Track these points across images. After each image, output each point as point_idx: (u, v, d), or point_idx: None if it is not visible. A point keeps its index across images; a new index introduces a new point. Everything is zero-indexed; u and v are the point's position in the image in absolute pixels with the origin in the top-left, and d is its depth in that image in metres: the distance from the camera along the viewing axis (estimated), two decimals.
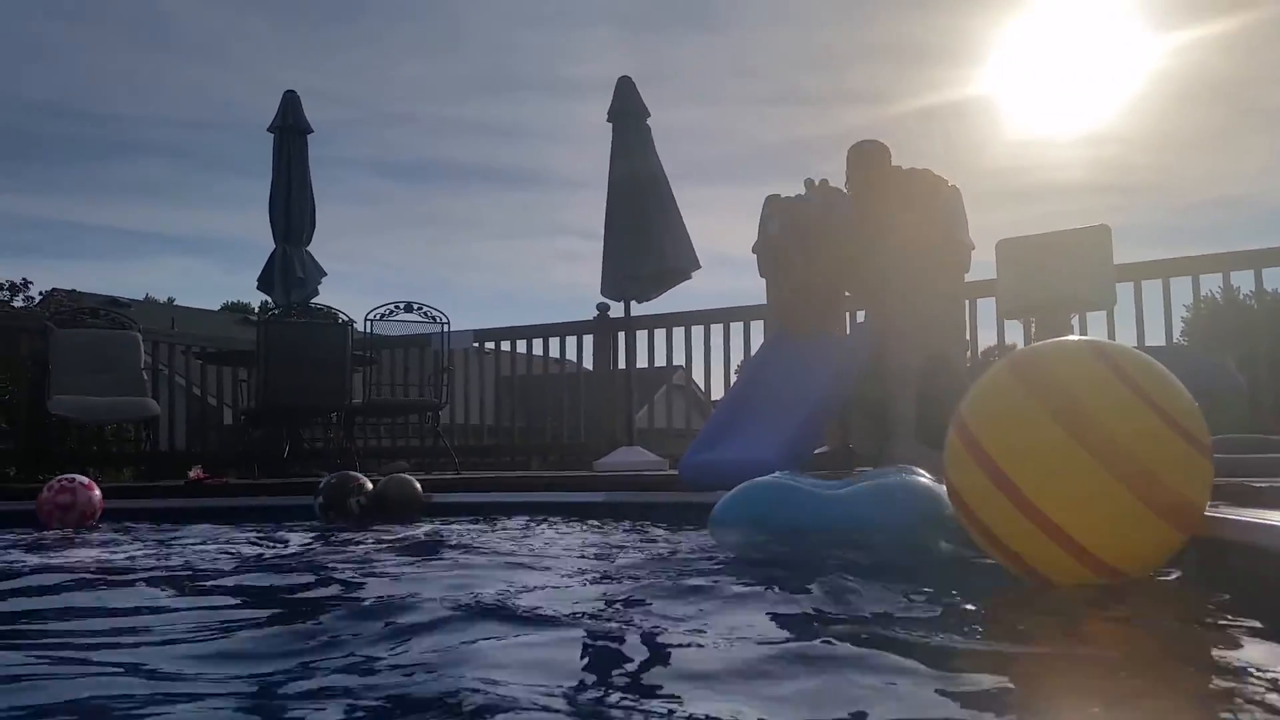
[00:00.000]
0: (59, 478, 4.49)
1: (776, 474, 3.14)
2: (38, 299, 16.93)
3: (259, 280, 8.04)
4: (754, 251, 5.32)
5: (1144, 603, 1.97)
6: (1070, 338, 2.23)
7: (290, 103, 8.09)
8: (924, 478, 2.89)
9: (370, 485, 4.40)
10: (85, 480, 4.52)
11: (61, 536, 3.99)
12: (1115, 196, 46.02)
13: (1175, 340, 6.41)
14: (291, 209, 7.95)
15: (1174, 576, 2.10)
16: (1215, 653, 1.54)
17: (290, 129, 8.04)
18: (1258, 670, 1.37)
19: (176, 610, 2.15)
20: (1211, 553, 2.01)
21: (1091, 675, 1.42)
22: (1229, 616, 1.74)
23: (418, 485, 4.51)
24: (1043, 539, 1.85)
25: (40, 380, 6.90)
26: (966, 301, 5.91)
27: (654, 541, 3.32)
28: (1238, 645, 1.57)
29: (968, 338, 5.65)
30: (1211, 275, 6.07)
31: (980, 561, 2.19)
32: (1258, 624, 1.64)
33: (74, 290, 16.70)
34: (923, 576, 2.34)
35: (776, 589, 2.13)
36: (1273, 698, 1.23)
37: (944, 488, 2.18)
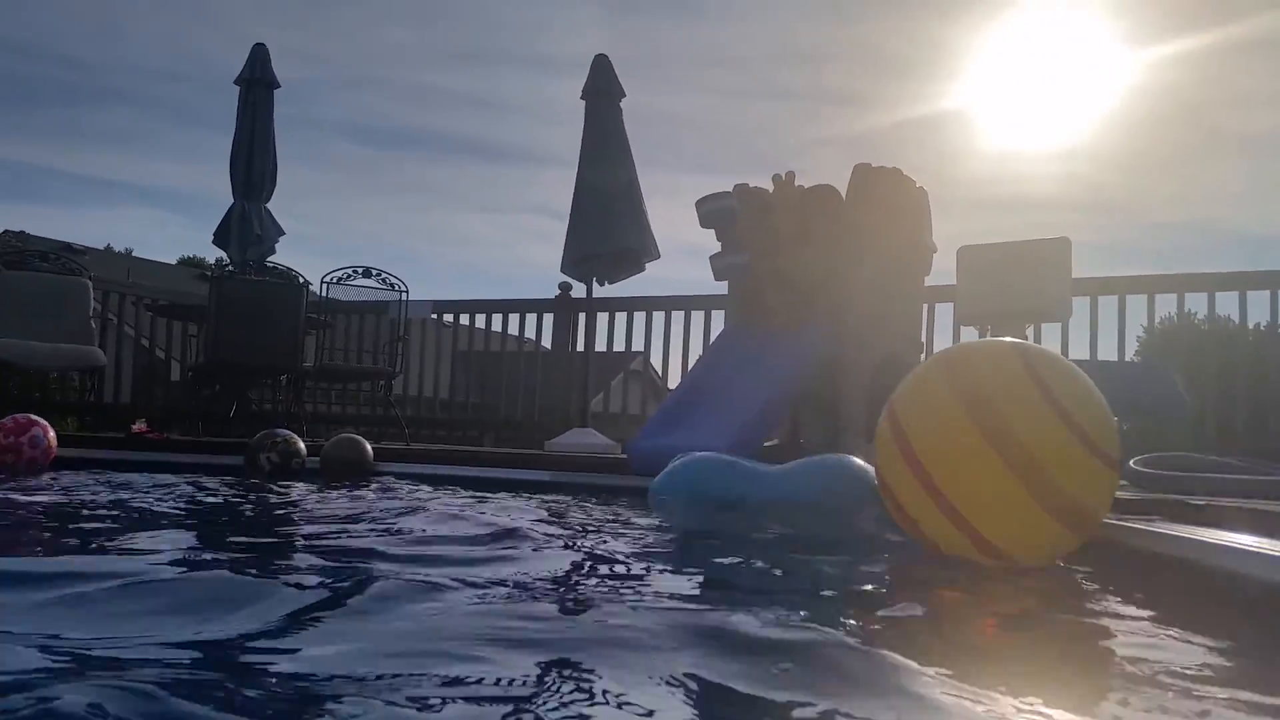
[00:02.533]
0: (10, 418, 4.26)
1: (712, 452, 3.18)
2: None
3: (215, 235, 7.88)
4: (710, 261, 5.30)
5: (1047, 587, 2.08)
6: (1004, 339, 2.33)
7: (259, 56, 7.94)
8: (857, 460, 2.93)
9: (299, 446, 4.29)
10: (42, 421, 4.30)
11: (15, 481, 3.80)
12: (1084, 213, 46.69)
13: (1129, 358, 6.49)
14: (253, 164, 7.81)
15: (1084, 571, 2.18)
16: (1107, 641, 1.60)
17: (257, 82, 7.89)
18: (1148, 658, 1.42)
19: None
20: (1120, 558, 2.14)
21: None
22: (1127, 610, 1.82)
23: (368, 447, 4.44)
24: (942, 518, 2.03)
25: None
26: (925, 305, 5.94)
27: (601, 518, 3.31)
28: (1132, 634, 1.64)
29: (923, 340, 5.66)
30: (1166, 295, 6.15)
31: (900, 539, 2.31)
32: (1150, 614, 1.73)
33: (23, 232, 16.21)
34: (847, 549, 2.46)
35: (713, 559, 2.19)
36: (1157, 680, 1.25)
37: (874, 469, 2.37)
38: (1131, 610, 1.81)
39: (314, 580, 1.69)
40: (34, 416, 4.30)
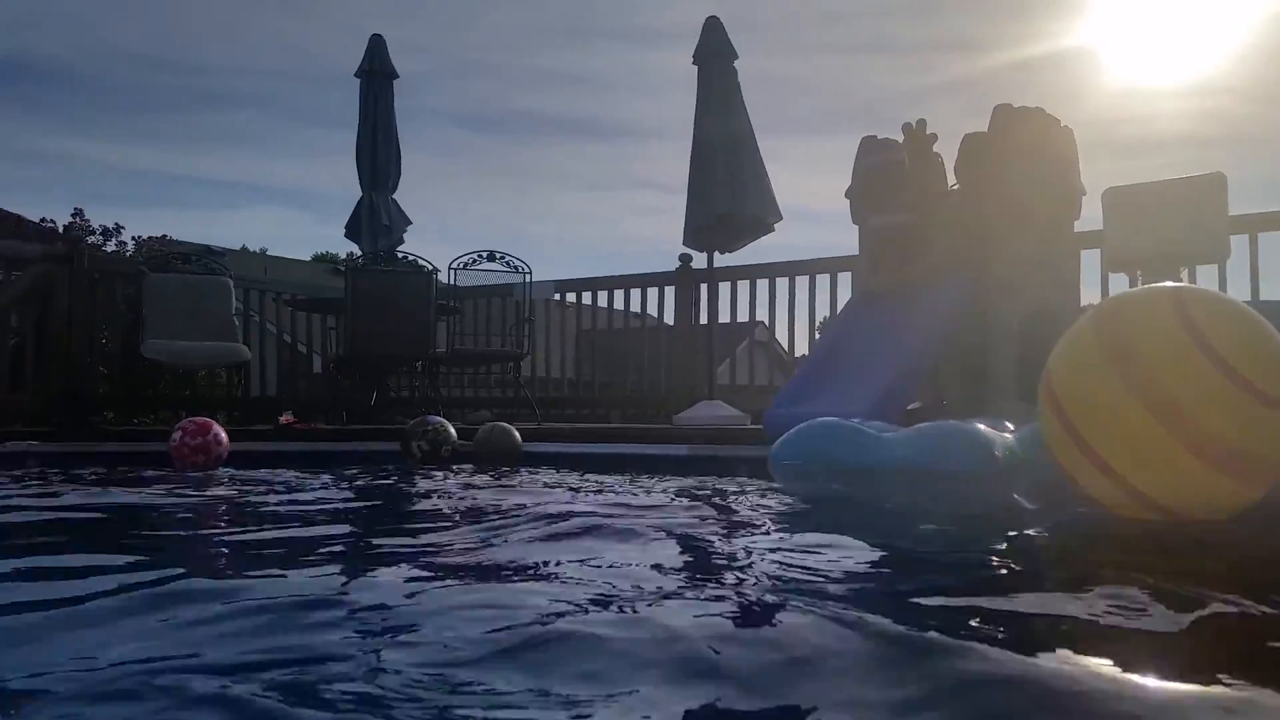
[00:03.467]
0: (189, 420, 4.41)
1: (834, 417, 3.07)
2: (130, 245, 17.28)
3: (346, 228, 8.10)
4: (846, 196, 5.13)
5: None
6: (1163, 284, 2.21)
7: (376, 46, 8.08)
8: (979, 426, 2.77)
9: (450, 433, 4.37)
10: (213, 423, 4.42)
11: (204, 478, 3.95)
12: (1223, 149, 43.81)
13: None
14: (378, 154, 7.97)
15: None
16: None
17: (376, 73, 8.04)
18: None
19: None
20: None
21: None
22: None
23: (517, 435, 4.48)
24: (1101, 478, 1.96)
25: (134, 324, 7.06)
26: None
27: (734, 489, 3.26)
28: None
29: (1080, 288, 5.36)
30: None
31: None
32: None
33: (166, 237, 17.02)
34: (980, 523, 2.36)
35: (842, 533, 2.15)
36: None
37: (1005, 436, 2.40)
38: None
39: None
40: (203, 418, 4.48)
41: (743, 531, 2.36)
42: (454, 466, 4.20)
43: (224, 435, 4.30)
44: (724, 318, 7.55)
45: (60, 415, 6.55)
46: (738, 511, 2.75)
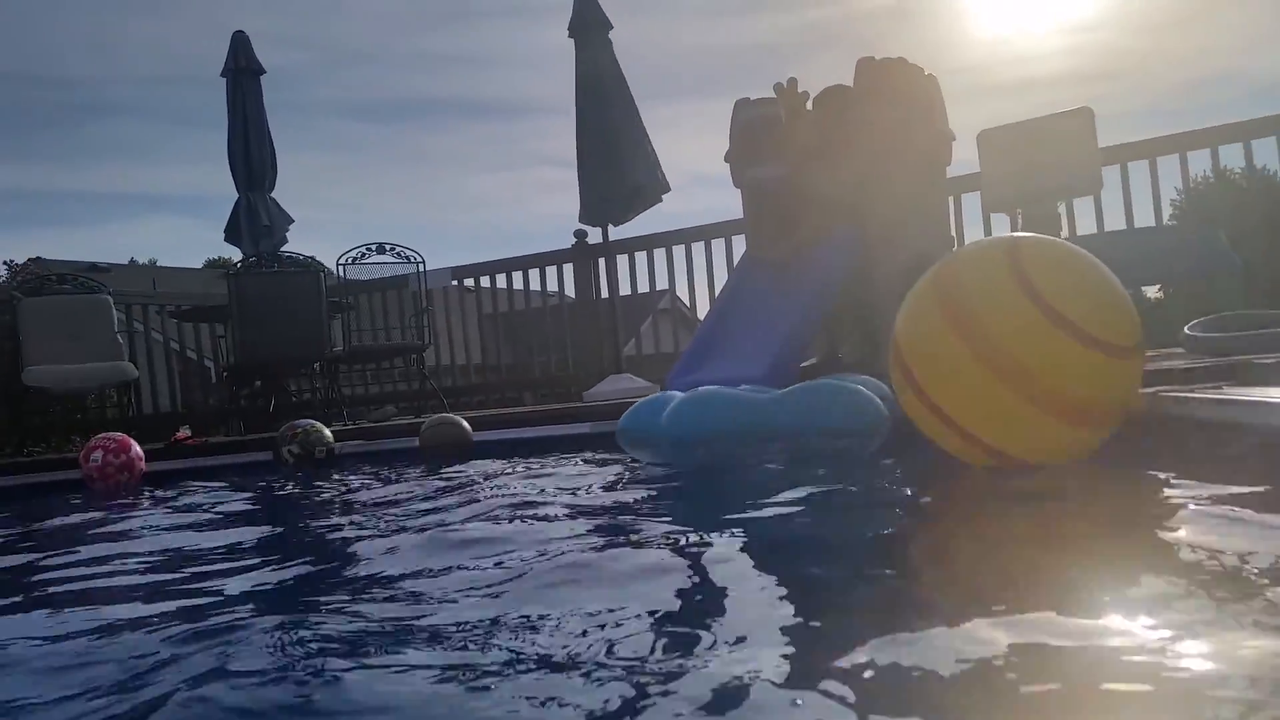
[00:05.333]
0: (99, 438, 4.19)
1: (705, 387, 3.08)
2: (3, 273, 16.53)
3: (225, 232, 7.85)
4: (725, 160, 5.13)
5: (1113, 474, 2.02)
6: (997, 237, 2.24)
7: (240, 43, 7.80)
8: (856, 384, 2.83)
9: (323, 434, 4.21)
10: (130, 439, 4.22)
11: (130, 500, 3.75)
12: (1097, 85, 45.29)
13: (1166, 221, 6.26)
14: (251, 155, 7.72)
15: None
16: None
17: (243, 71, 7.77)
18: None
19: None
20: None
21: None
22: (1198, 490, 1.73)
23: (466, 425, 4.28)
24: (947, 431, 2.00)
25: (13, 353, 6.74)
26: (950, 197, 5.75)
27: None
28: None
29: (952, 234, 5.47)
30: (1199, 151, 5.90)
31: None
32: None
33: (39, 258, 16.31)
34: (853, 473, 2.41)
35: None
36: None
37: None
38: (1206, 490, 1.69)
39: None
40: (119, 434, 4.29)
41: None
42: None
43: (140, 450, 4.15)
44: (625, 289, 7.52)
45: None
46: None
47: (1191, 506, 1.61)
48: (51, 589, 1.98)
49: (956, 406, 1.96)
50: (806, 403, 2.67)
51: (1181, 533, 1.50)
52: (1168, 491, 1.80)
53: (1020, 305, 1.87)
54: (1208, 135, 5.85)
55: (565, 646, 1.10)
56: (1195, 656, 0.91)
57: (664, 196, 7.07)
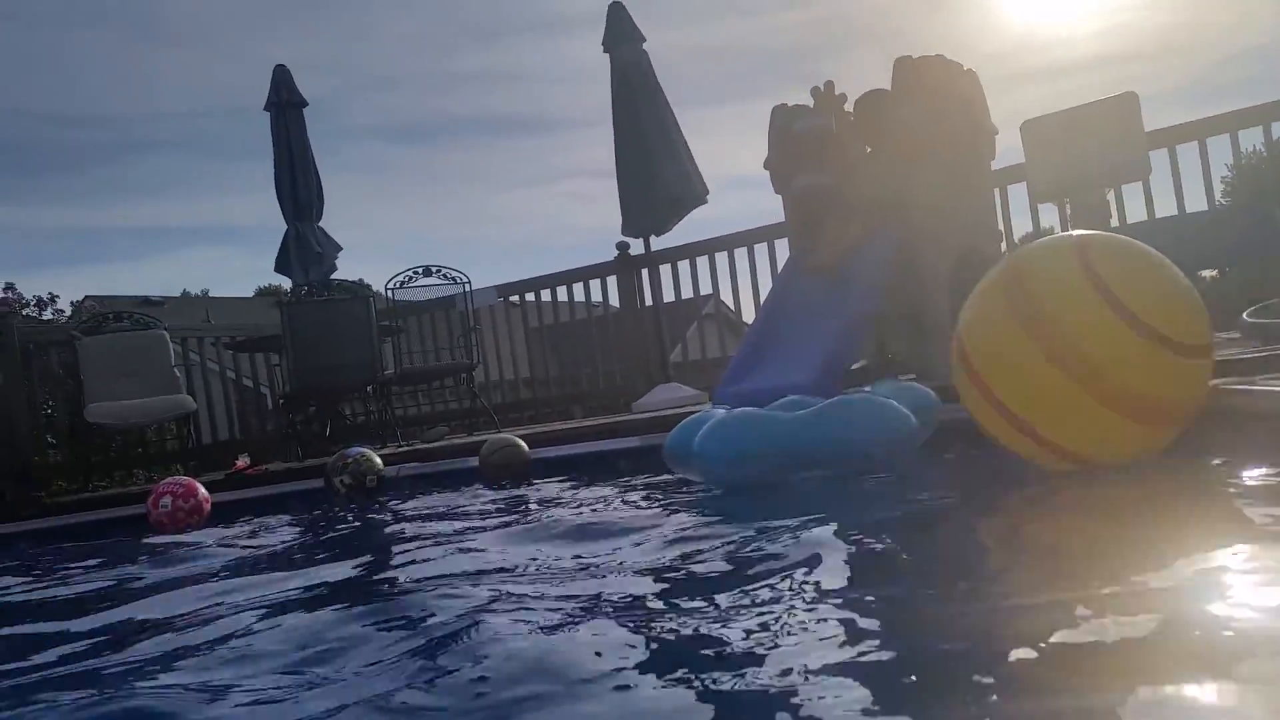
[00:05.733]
0: (166, 483, 4.25)
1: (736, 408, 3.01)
2: (68, 311, 17.00)
3: (276, 262, 7.98)
4: (765, 167, 5.12)
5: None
6: (1067, 234, 2.24)
7: (281, 77, 7.95)
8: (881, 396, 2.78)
9: (374, 462, 4.22)
10: (195, 481, 4.30)
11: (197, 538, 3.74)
12: (1138, 64, 44.41)
13: (1217, 202, 6.12)
14: (298, 185, 7.86)
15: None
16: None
17: (286, 104, 7.91)
18: None
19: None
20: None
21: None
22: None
23: (524, 446, 4.30)
24: (1021, 437, 1.98)
25: (75, 391, 6.93)
26: (995, 190, 5.68)
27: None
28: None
29: (1000, 228, 5.40)
30: (1250, 130, 5.75)
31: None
32: None
33: (98, 296, 16.75)
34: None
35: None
36: None
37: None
38: (1264, 483, 1.67)
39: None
40: (185, 478, 4.38)
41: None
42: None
43: (206, 492, 4.20)
44: (669, 297, 7.53)
45: (9, 492, 6.41)
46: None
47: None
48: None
49: (1027, 406, 1.95)
50: (835, 419, 2.64)
51: None
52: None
53: (1094, 304, 1.87)
54: (1257, 113, 5.70)
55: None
56: None
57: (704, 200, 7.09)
